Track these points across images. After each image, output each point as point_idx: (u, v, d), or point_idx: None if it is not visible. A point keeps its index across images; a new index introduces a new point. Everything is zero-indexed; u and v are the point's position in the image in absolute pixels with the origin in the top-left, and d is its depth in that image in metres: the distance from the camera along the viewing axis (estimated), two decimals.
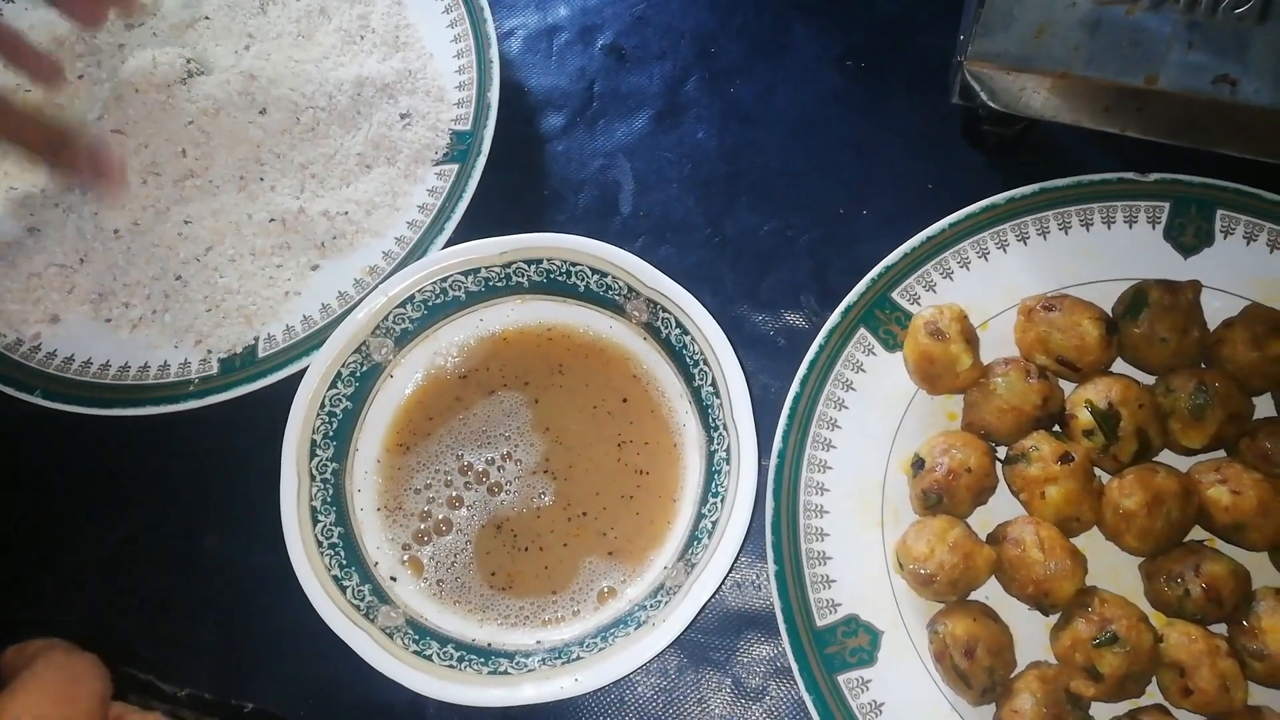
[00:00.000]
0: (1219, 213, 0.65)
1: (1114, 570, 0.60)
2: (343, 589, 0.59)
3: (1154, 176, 0.66)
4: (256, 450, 0.67)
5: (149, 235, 0.70)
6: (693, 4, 0.80)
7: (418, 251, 0.69)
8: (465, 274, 0.65)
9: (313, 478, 0.61)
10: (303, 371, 0.65)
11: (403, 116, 0.73)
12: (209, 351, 0.69)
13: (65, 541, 0.69)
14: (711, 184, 0.75)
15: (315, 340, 0.67)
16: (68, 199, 0.72)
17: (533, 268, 0.65)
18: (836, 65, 0.77)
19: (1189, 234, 0.65)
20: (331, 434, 0.63)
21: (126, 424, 0.68)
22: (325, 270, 0.70)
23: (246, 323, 0.69)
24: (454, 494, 0.64)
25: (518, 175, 0.75)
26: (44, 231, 0.71)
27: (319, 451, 0.62)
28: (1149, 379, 0.62)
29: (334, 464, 0.63)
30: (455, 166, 0.71)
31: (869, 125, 0.75)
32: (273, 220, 0.70)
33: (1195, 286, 0.62)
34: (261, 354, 0.68)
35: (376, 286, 0.67)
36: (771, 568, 0.60)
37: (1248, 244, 0.64)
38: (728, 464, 0.59)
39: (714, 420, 0.61)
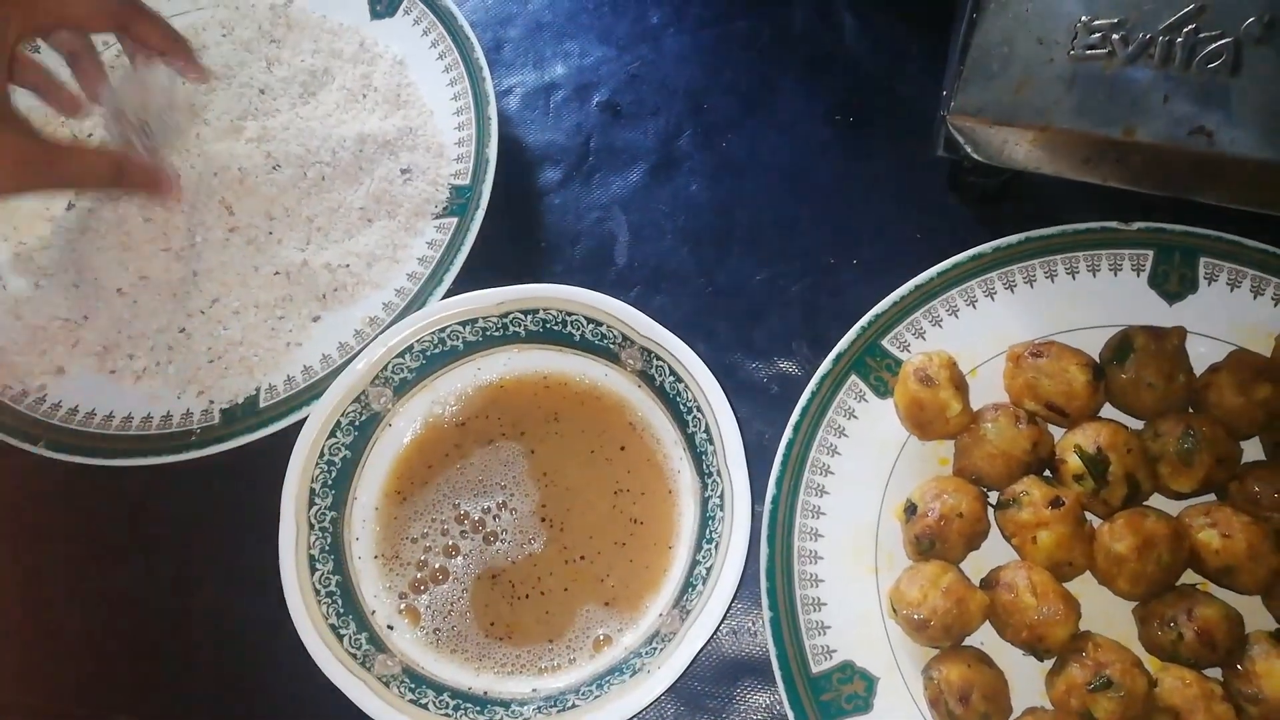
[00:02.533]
0: (1202, 260, 0.66)
1: (1107, 615, 0.60)
2: (340, 637, 0.59)
3: (1137, 225, 0.67)
4: (256, 499, 0.67)
5: (156, 289, 0.72)
6: (685, 62, 0.83)
7: (417, 303, 0.71)
8: (463, 324, 0.66)
9: (311, 526, 0.62)
10: (303, 421, 0.66)
11: (403, 171, 0.75)
12: (211, 402, 0.70)
13: (62, 590, 0.70)
14: (704, 235, 0.77)
15: (315, 390, 0.68)
16: (76, 254, 0.73)
17: (529, 317, 0.66)
18: (824, 119, 0.79)
19: (1173, 281, 0.66)
20: (330, 482, 0.64)
21: (129, 474, 0.68)
22: (326, 321, 0.72)
23: (249, 373, 0.70)
24: (450, 543, 0.64)
25: (515, 227, 0.77)
26: (50, 286, 0.73)
27: (318, 500, 0.63)
28: (1137, 424, 0.63)
29: (332, 512, 0.63)
30: (454, 220, 0.73)
31: (856, 177, 0.77)
32: (277, 273, 0.72)
33: (1180, 333, 0.63)
34: (263, 404, 0.69)
35: (376, 337, 0.68)
36: (766, 614, 0.60)
37: (1231, 290, 0.66)
38: (722, 510, 0.60)
39: (708, 467, 0.62)
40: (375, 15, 0.82)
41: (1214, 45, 0.56)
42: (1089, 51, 0.59)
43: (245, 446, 0.68)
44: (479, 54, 0.78)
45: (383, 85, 0.79)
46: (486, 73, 0.77)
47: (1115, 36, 0.58)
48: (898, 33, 0.81)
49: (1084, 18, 0.58)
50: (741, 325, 0.73)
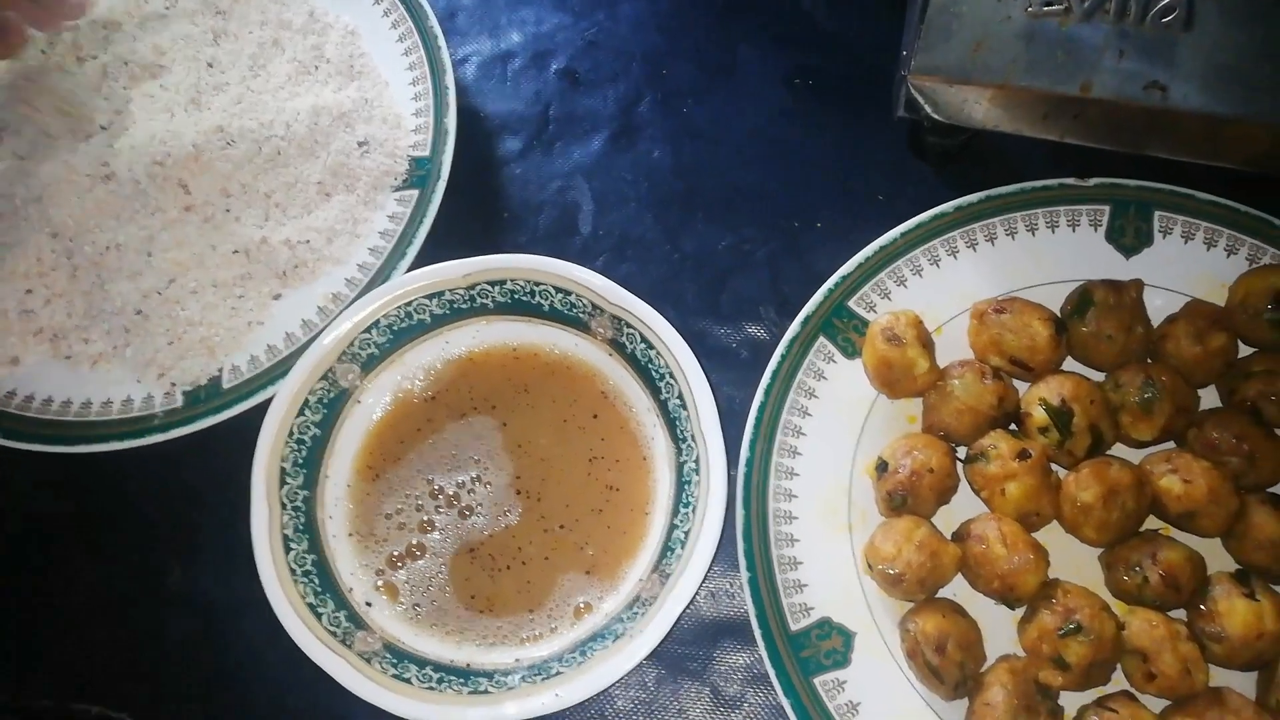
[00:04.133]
0: (1156, 214, 0.68)
1: (1075, 562, 0.62)
2: (318, 616, 0.59)
3: (1093, 181, 0.68)
4: (224, 481, 0.66)
5: (110, 271, 0.70)
6: (642, 28, 0.82)
7: (381, 277, 0.70)
8: (429, 297, 0.65)
9: (283, 506, 0.61)
10: (268, 402, 0.64)
11: (360, 144, 0.74)
12: (173, 384, 0.68)
13: (30, 579, 0.68)
14: (668, 202, 0.76)
15: (280, 369, 0.67)
16: (22, 237, 0.71)
17: (497, 289, 0.66)
18: (784, 84, 0.79)
19: (1129, 235, 0.68)
20: (301, 461, 0.63)
21: (91, 460, 0.67)
22: (288, 299, 0.70)
23: (210, 354, 0.69)
24: (425, 518, 0.64)
25: (478, 199, 0.76)
26: (1, 276, 0.71)
27: (289, 480, 0.62)
28: (1099, 376, 0.65)
29: (304, 491, 0.62)
30: (415, 192, 0.72)
31: (818, 140, 0.77)
32: (236, 251, 0.70)
33: (1138, 285, 0.64)
34: (226, 385, 0.68)
35: (341, 313, 0.67)
36: (744, 575, 0.61)
37: (1185, 242, 0.67)
38: (697, 475, 0.60)
39: (682, 433, 0.62)
40: None
41: (1167, 1, 0.57)
42: (1045, 9, 0.59)
43: (210, 428, 0.67)
44: (433, 22, 0.76)
45: (335, 56, 0.77)
46: (442, 41, 0.76)
47: None
48: None
49: None
50: (708, 291, 0.73)
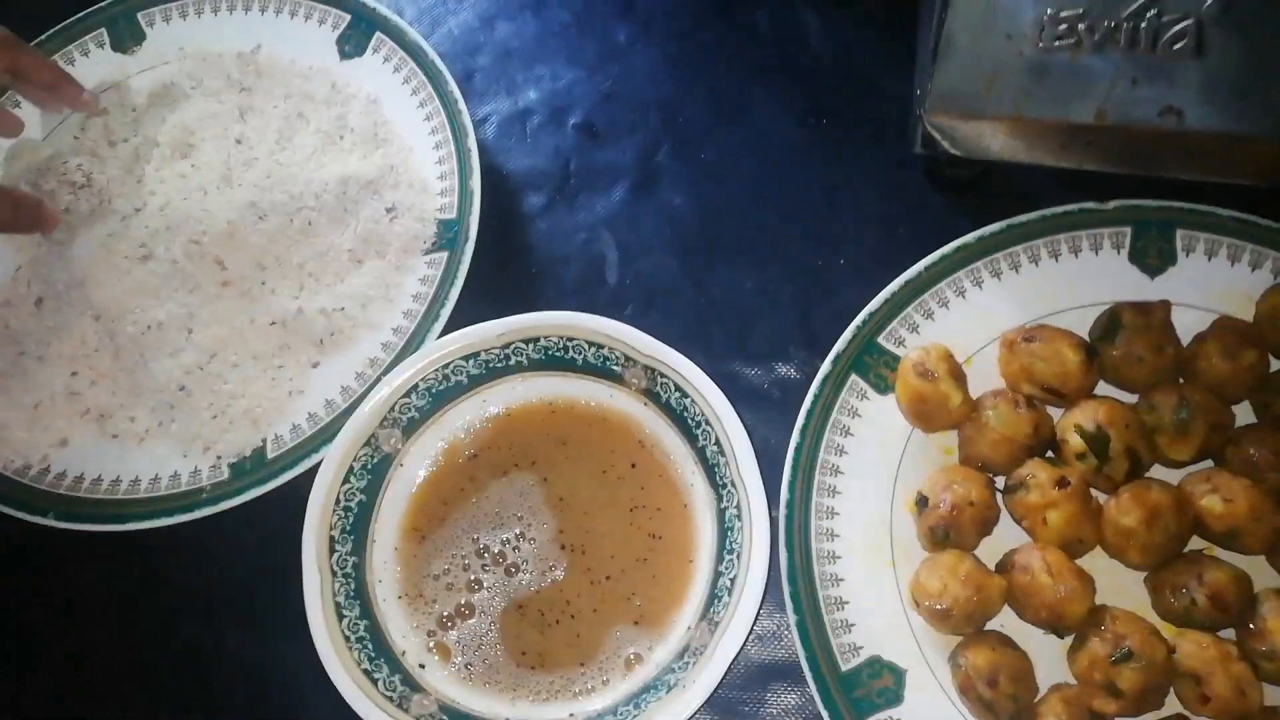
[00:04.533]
0: (1179, 232, 0.68)
1: (1120, 587, 0.62)
2: (374, 681, 0.60)
3: (1113, 204, 0.69)
4: (272, 550, 0.67)
5: (152, 349, 0.71)
6: (656, 77, 0.84)
7: (415, 340, 0.71)
8: (466, 359, 0.67)
9: (334, 573, 0.62)
10: (313, 469, 0.66)
11: (389, 210, 0.75)
12: (218, 457, 0.70)
13: (86, 656, 0.70)
14: (692, 247, 0.77)
15: (323, 436, 0.69)
16: (64, 322, 0.73)
17: (530, 346, 0.67)
18: (798, 122, 0.80)
19: (1153, 255, 0.68)
20: (349, 528, 0.64)
21: (141, 537, 0.68)
22: (326, 367, 0.72)
23: (254, 426, 0.70)
24: (472, 577, 0.65)
25: (505, 256, 0.77)
26: (46, 358, 0.73)
27: (338, 547, 0.63)
28: (1131, 398, 0.65)
29: (353, 558, 0.64)
30: (445, 254, 0.74)
31: (834, 177, 0.78)
32: (273, 323, 0.72)
33: (1165, 305, 0.65)
34: (271, 455, 0.69)
35: (379, 378, 0.69)
36: (792, 618, 0.61)
37: (1209, 259, 0.67)
38: (739, 520, 0.61)
39: (721, 478, 0.63)
40: (344, 56, 0.82)
41: (1177, 27, 0.58)
42: (1057, 42, 0.60)
43: (256, 499, 0.68)
44: (452, 86, 0.78)
45: (359, 125, 0.79)
46: (462, 105, 0.77)
47: (1081, 26, 0.60)
48: (862, 32, 0.82)
49: (1049, 10, 0.59)
50: (737, 334, 0.74)
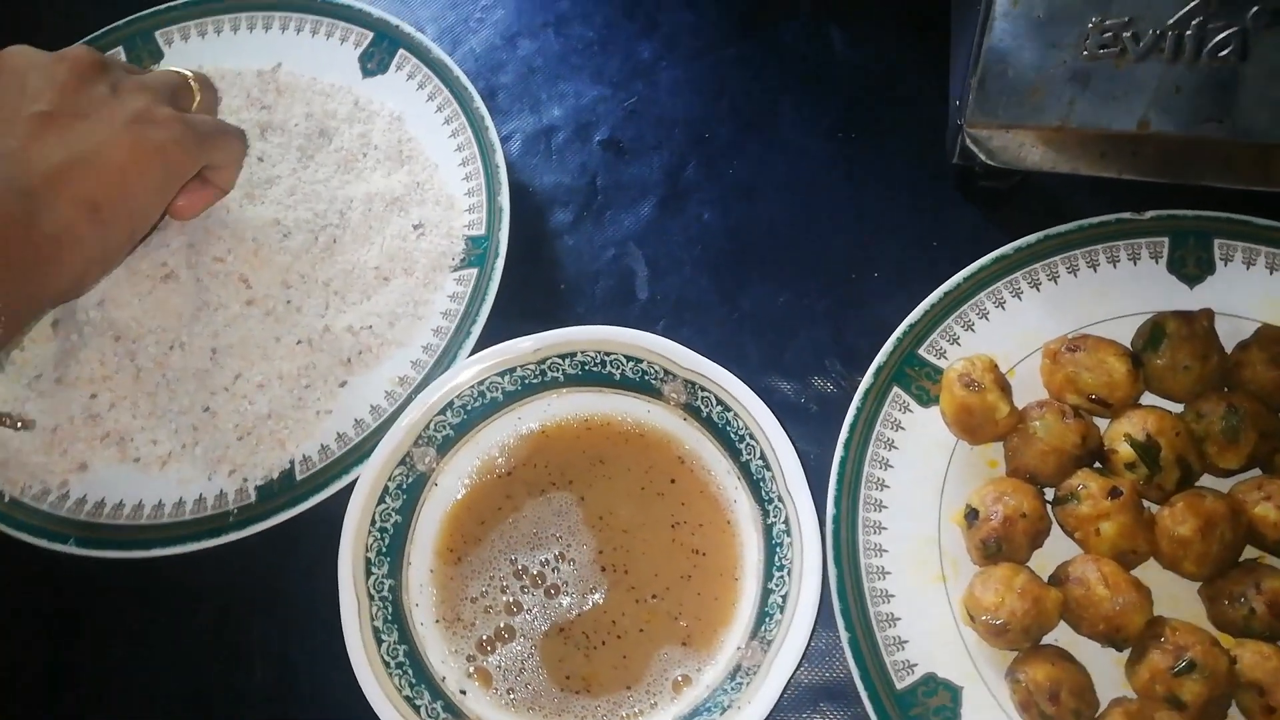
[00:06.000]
0: (1216, 242, 0.68)
1: (1174, 598, 0.61)
2: (416, 709, 0.58)
3: (1150, 214, 0.69)
4: (303, 573, 0.66)
5: (176, 371, 0.70)
6: (681, 93, 0.83)
7: (446, 357, 0.70)
8: (501, 375, 0.65)
9: (371, 597, 0.60)
10: (343, 490, 0.64)
11: (416, 227, 0.74)
12: (245, 480, 0.68)
13: (108, 687, 0.67)
14: (722, 262, 0.77)
15: (353, 457, 0.67)
16: (81, 337, 0.71)
17: (567, 361, 0.66)
18: (826, 136, 0.80)
19: (1191, 264, 0.68)
20: (384, 550, 0.62)
21: (166, 564, 0.66)
22: (354, 386, 0.70)
23: (281, 447, 0.69)
24: (511, 600, 0.63)
25: (534, 272, 0.76)
26: (64, 380, 0.71)
27: (374, 569, 0.61)
28: (1176, 407, 0.64)
29: (390, 580, 0.62)
30: (474, 270, 0.72)
31: (866, 190, 0.78)
32: (300, 342, 0.70)
33: (1208, 314, 0.64)
34: (299, 476, 0.68)
35: (410, 396, 0.67)
36: (844, 635, 0.60)
37: (1248, 268, 0.67)
38: (788, 536, 0.60)
39: (768, 494, 0.62)
40: (367, 74, 0.81)
41: (1222, 35, 0.58)
42: (1101, 51, 0.60)
43: (285, 522, 0.66)
44: (478, 103, 0.77)
45: (382, 142, 0.78)
46: (489, 122, 0.77)
47: (1126, 35, 0.59)
48: (888, 42, 0.82)
49: (1094, 18, 0.59)
50: (771, 348, 0.73)
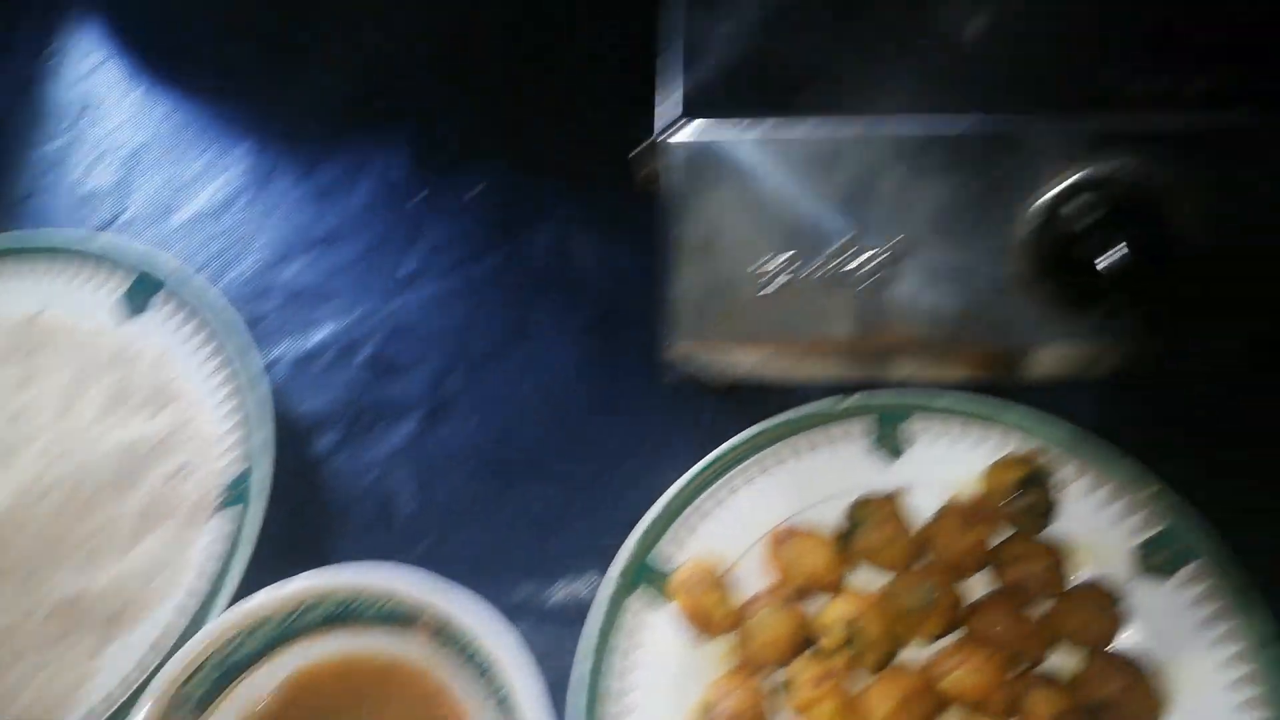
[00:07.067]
0: (906, 421, 0.76)
1: None
2: None
3: (848, 401, 0.76)
4: None
5: None
6: (442, 306, 0.88)
7: (211, 601, 0.72)
8: (256, 626, 0.68)
9: None
10: None
11: (179, 469, 0.77)
12: None
13: None
14: (485, 470, 0.81)
15: (121, 715, 0.68)
16: None
17: (321, 606, 0.68)
18: (575, 339, 0.86)
19: (888, 443, 0.76)
20: None
21: None
22: (120, 643, 0.72)
23: (46, 715, 0.69)
24: None
25: (299, 502, 0.79)
26: None
27: None
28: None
29: None
30: (238, 508, 0.75)
31: (614, 389, 0.84)
32: (57, 607, 0.71)
33: (896, 494, 0.72)
34: None
35: (172, 651, 0.69)
36: None
37: (935, 443, 0.76)
38: None
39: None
40: (127, 315, 0.84)
41: (877, 260, 0.67)
42: (777, 280, 0.68)
43: None
44: (242, 334, 0.80)
45: (144, 385, 0.80)
46: (254, 353, 0.80)
47: (793, 268, 0.68)
48: (633, 250, 0.88)
49: (762, 259, 0.68)
50: (533, 554, 0.78)
